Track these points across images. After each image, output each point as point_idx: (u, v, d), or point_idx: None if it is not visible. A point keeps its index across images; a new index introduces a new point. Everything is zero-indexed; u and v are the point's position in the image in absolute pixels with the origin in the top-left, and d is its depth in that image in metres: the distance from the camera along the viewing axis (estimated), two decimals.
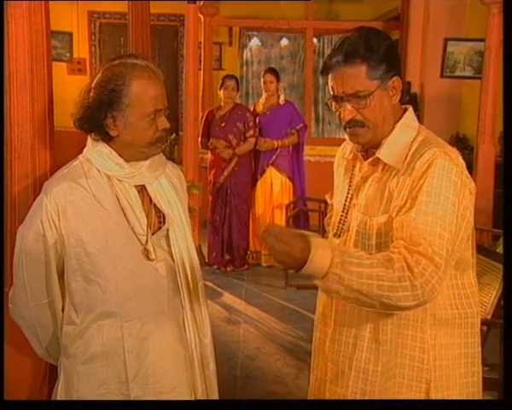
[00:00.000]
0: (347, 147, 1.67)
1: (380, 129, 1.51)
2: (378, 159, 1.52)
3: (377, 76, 1.47)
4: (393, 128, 1.52)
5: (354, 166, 1.62)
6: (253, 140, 5.18)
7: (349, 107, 1.48)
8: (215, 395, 1.78)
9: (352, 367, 1.54)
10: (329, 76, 1.50)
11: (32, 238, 1.57)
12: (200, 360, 1.72)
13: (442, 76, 6.38)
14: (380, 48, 1.47)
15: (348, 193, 1.60)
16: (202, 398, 1.73)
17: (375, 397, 1.52)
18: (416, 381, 1.50)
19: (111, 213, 1.58)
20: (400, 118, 1.54)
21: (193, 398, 1.71)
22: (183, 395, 1.67)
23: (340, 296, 1.37)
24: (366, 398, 1.53)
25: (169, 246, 1.67)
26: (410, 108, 1.57)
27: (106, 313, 1.58)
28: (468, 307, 1.53)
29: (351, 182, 1.61)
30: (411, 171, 1.44)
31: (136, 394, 1.60)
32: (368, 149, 1.58)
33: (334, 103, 1.53)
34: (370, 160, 1.55)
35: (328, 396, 1.61)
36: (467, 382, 1.54)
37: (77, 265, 1.57)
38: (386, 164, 1.51)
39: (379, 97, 1.48)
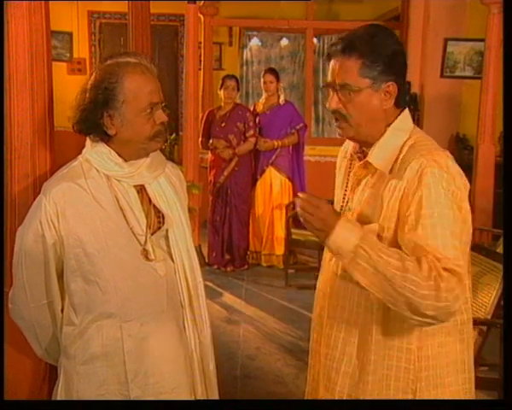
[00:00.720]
0: (348, 147, 1.66)
1: (363, 129, 1.49)
2: (369, 162, 1.51)
3: (370, 75, 1.45)
4: (385, 131, 1.49)
5: (351, 168, 1.61)
6: (253, 140, 5.18)
7: (336, 97, 1.48)
8: (215, 395, 1.78)
9: (339, 372, 1.53)
10: (331, 61, 1.51)
11: (31, 239, 1.57)
12: (199, 360, 1.72)
13: (442, 76, 6.38)
14: (381, 49, 1.45)
15: (345, 195, 1.59)
16: (202, 398, 1.73)
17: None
18: (401, 392, 1.47)
19: (110, 213, 1.58)
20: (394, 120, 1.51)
21: (192, 398, 1.71)
22: (183, 395, 1.67)
23: (364, 280, 1.34)
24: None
25: (168, 246, 1.67)
26: (406, 111, 1.53)
27: (105, 314, 1.58)
28: (459, 314, 1.48)
29: (347, 184, 1.60)
30: (401, 181, 1.41)
31: (135, 394, 1.60)
32: (364, 151, 1.57)
33: (329, 90, 1.53)
34: (361, 163, 1.54)
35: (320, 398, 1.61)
36: (457, 389, 1.50)
37: (76, 265, 1.57)
38: (377, 169, 1.49)
39: (367, 96, 1.46)
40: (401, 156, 1.45)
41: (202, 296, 1.73)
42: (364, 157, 1.55)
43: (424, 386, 1.47)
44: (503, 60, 1.79)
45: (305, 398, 1.75)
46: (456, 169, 1.42)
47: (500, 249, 3.34)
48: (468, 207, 1.43)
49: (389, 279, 1.30)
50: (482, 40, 5.17)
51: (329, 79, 1.50)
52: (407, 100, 1.54)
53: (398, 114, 1.52)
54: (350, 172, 1.60)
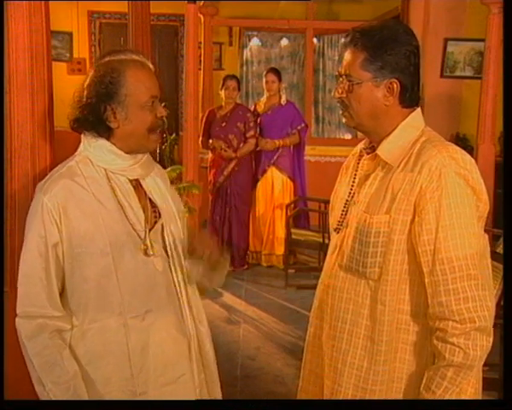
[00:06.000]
0: (359, 146, 1.67)
1: (364, 121, 1.51)
2: (378, 156, 1.52)
3: (370, 69, 1.46)
4: (396, 127, 1.50)
5: (359, 164, 1.61)
6: (253, 141, 5.18)
7: (341, 86, 1.52)
8: (216, 384, 1.79)
9: (346, 363, 1.53)
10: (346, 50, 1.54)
11: (35, 241, 1.54)
12: (197, 349, 1.73)
13: (442, 76, 6.38)
14: (387, 45, 1.45)
15: (351, 189, 1.60)
16: (202, 387, 1.73)
17: (367, 395, 1.50)
18: (417, 388, 1.46)
19: (111, 210, 1.58)
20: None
21: (195, 386, 1.71)
22: (188, 384, 1.67)
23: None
24: (359, 395, 1.51)
25: (163, 240, 1.68)
26: (418, 110, 1.54)
27: (108, 312, 1.58)
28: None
29: (354, 178, 1.61)
30: (418, 176, 1.42)
31: (141, 389, 1.59)
32: (374, 147, 1.57)
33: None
34: (369, 156, 1.55)
35: (324, 392, 1.60)
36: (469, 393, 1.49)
37: (77, 265, 1.56)
38: (387, 163, 1.50)
39: (368, 90, 1.47)
40: (415, 151, 1.46)
41: (194, 286, 1.75)
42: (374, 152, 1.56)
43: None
44: (503, 60, 1.79)
45: (299, 393, 1.74)
46: (472, 163, 1.44)
47: (500, 249, 3.34)
48: (487, 198, 1.46)
49: (467, 374, 1.43)
50: (482, 40, 5.17)
51: (340, 66, 1.54)
52: (417, 100, 1.53)
53: (409, 113, 1.52)
54: (358, 168, 1.61)
